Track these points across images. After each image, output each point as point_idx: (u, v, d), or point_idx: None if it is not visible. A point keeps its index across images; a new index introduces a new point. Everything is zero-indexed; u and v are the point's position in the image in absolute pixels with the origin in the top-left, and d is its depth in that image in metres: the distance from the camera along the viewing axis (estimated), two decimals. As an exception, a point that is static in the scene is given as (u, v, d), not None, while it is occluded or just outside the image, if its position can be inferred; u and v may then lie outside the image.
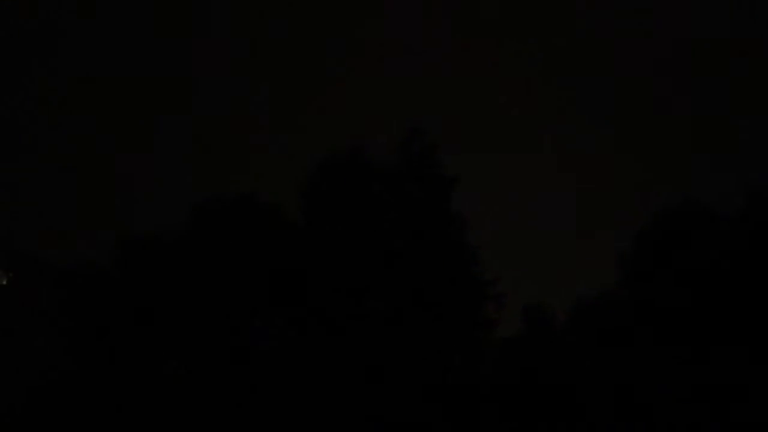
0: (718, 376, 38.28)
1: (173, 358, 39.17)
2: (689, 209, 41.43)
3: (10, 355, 46.51)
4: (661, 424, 39.01)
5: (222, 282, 38.36)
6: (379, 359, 38.14)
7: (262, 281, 38.69)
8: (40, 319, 43.75)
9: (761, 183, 41.06)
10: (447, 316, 39.89)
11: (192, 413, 35.80)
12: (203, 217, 38.52)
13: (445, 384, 37.71)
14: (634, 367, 40.56)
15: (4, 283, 47.73)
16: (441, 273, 39.91)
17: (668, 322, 41.04)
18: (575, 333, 43.50)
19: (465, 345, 41.58)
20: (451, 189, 40.48)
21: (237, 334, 37.86)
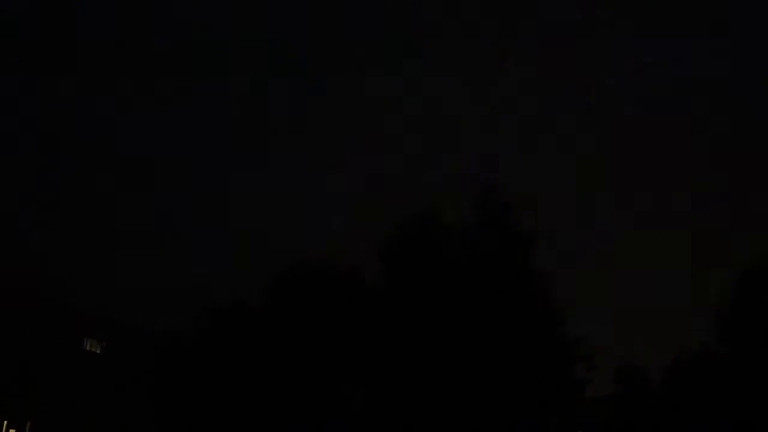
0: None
1: (259, 426, 39.29)
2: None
3: (105, 419, 47.91)
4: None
5: (305, 348, 38.43)
6: (471, 425, 37.09)
7: (345, 346, 38.55)
8: (132, 386, 44.99)
9: None
10: (535, 377, 38.55)
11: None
12: (285, 284, 38.92)
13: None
14: (735, 423, 38.23)
15: (98, 352, 49.60)
16: (525, 333, 38.72)
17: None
18: (673, 391, 41.40)
19: (556, 407, 39.99)
20: (530, 245, 39.46)
21: (321, 401, 37.63)
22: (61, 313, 49.82)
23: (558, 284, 39.67)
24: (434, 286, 38.89)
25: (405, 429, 36.89)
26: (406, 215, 40.15)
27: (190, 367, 39.80)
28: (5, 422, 46.19)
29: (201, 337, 40.17)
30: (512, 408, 38.13)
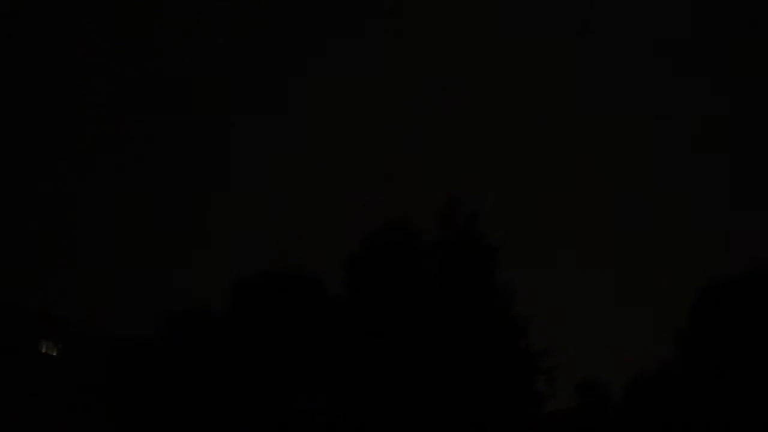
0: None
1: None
2: (751, 278, 39.53)
3: (58, 425, 46.86)
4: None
5: (265, 358, 37.99)
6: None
7: (306, 358, 38.19)
8: (87, 391, 44.08)
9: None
10: (496, 390, 38.58)
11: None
12: (248, 292, 38.44)
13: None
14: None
15: (54, 354, 48.57)
16: (488, 346, 38.75)
17: (729, 396, 38.99)
18: (632, 408, 41.64)
19: (516, 420, 40.04)
20: (495, 258, 39.55)
21: (280, 412, 37.20)
22: (16, 313, 48.77)
23: (522, 297, 39.84)
24: (398, 297, 38.75)
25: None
26: (371, 225, 40.04)
27: (147, 372, 39.07)
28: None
29: (160, 342, 39.46)
30: (472, 421, 38.13)
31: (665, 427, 40.18)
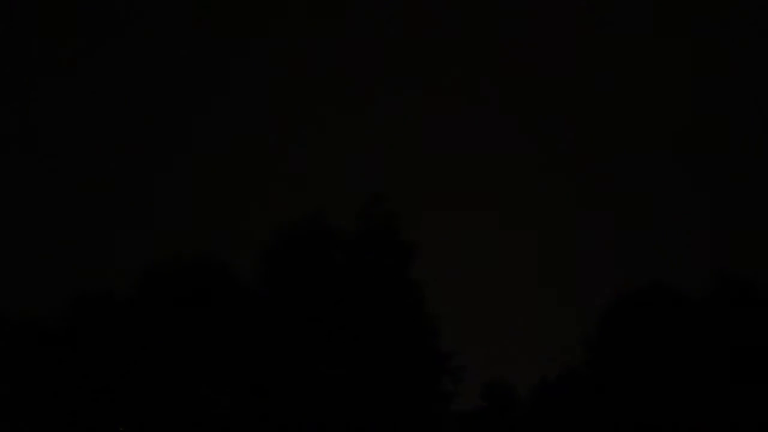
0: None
1: (117, 421, 38.06)
2: (656, 290, 40.62)
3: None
4: None
5: (173, 344, 37.44)
6: (335, 429, 36.96)
7: (215, 345, 37.75)
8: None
9: (728, 265, 40.47)
10: (403, 386, 38.74)
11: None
12: (156, 278, 37.80)
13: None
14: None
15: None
16: (398, 342, 38.87)
17: (630, 400, 40.04)
18: (538, 410, 42.38)
19: (422, 418, 40.28)
20: (410, 257, 39.63)
21: (182, 399, 36.72)
22: None
23: (433, 296, 40.02)
24: (310, 289, 38.61)
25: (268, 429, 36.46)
26: (289, 219, 39.73)
27: (48, 356, 38.15)
28: None
29: (63, 325, 38.58)
30: (378, 416, 38.23)
31: (570, 429, 41.02)
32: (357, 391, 37.84)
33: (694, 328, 39.96)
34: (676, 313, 40.13)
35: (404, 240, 39.92)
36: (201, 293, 38.09)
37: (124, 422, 38.80)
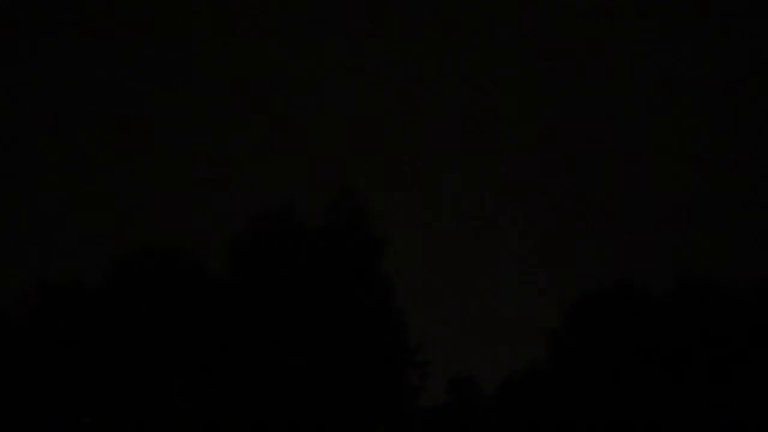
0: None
1: (83, 413, 37.90)
2: (619, 288, 41.43)
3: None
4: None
5: (140, 335, 37.40)
6: (300, 420, 37.12)
7: (183, 336, 37.77)
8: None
9: (690, 264, 41.43)
10: (370, 379, 38.99)
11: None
12: (126, 268, 37.78)
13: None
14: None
15: None
16: (365, 335, 39.14)
17: (595, 396, 40.70)
18: (503, 406, 42.86)
19: (388, 412, 40.55)
20: (379, 250, 39.96)
21: (152, 391, 36.68)
22: None
23: (402, 291, 40.35)
24: (279, 283, 38.78)
25: (235, 419, 36.49)
26: (258, 211, 39.89)
27: (13, 345, 37.90)
28: None
29: (29, 314, 38.34)
30: (344, 409, 38.43)
31: (535, 425, 41.54)
32: (323, 383, 38.04)
33: (656, 325, 40.82)
34: (640, 310, 40.95)
35: (373, 234, 40.31)
36: (169, 284, 38.14)
37: (89, 413, 38.65)
